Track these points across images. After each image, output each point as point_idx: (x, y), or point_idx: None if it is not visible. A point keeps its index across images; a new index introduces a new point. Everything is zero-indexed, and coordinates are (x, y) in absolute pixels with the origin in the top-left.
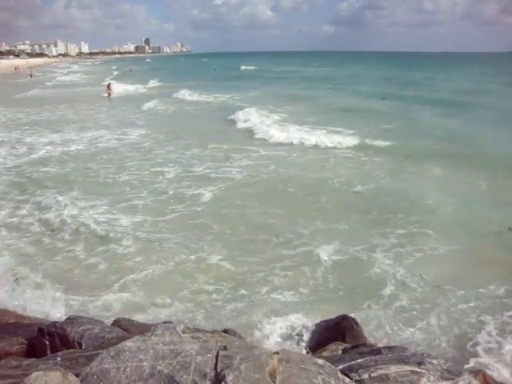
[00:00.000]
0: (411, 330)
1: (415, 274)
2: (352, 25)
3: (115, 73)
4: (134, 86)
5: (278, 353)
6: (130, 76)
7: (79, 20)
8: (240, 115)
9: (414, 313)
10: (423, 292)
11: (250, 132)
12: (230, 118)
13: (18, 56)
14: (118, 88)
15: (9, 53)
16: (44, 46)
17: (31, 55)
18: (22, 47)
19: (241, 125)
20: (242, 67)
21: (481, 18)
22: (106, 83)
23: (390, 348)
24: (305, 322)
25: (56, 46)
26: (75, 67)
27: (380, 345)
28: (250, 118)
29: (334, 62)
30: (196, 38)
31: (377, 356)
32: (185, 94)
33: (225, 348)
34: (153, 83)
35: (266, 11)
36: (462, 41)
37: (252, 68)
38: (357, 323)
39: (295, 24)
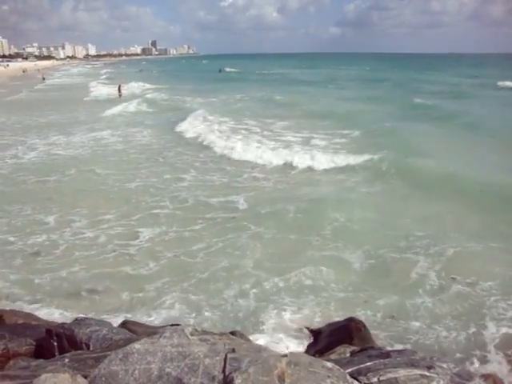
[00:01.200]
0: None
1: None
2: (358, 26)
3: (104, 76)
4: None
5: (286, 356)
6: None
7: (86, 22)
8: (187, 125)
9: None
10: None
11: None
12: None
13: (26, 59)
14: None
15: (17, 55)
16: (52, 49)
17: (39, 58)
18: (30, 50)
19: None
20: (227, 69)
21: (488, 18)
22: (117, 85)
23: (399, 351)
24: (313, 324)
25: (63, 48)
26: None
27: (388, 348)
28: (198, 127)
29: (332, 63)
30: (202, 40)
31: (386, 359)
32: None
33: (233, 351)
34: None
35: (272, 13)
36: (469, 42)
37: (235, 70)
38: (364, 325)
39: (301, 25)
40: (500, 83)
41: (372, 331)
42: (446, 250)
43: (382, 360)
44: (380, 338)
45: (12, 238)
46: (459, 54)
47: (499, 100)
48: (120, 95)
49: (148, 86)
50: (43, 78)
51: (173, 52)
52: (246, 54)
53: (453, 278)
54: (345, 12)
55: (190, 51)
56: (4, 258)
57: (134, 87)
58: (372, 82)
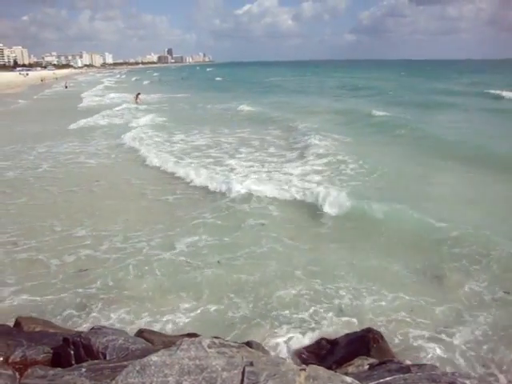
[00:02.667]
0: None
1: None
2: (374, 33)
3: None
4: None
5: (305, 369)
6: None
7: (103, 32)
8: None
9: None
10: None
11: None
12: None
13: (45, 67)
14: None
15: (36, 64)
16: (70, 58)
17: (57, 66)
18: (48, 59)
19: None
20: (217, 78)
21: (506, 23)
22: (135, 94)
23: (419, 366)
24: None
25: (81, 57)
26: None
27: (408, 362)
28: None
29: (337, 70)
30: (218, 48)
31: (406, 374)
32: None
33: (251, 364)
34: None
35: (287, 20)
36: (488, 47)
37: (225, 79)
38: (382, 337)
39: (316, 33)
40: (492, 91)
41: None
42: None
43: (402, 375)
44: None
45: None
46: (476, 60)
47: (476, 111)
48: (137, 102)
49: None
50: (66, 87)
51: (189, 60)
52: (262, 61)
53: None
54: (360, 19)
55: (206, 59)
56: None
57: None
58: (354, 90)
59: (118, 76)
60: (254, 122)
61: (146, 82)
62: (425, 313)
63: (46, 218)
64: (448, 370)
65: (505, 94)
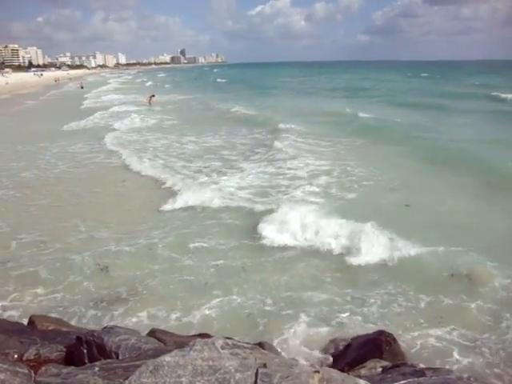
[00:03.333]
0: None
1: None
2: (387, 34)
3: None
4: None
5: (318, 372)
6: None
7: (117, 32)
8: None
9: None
10: None
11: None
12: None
13: (59, 68)
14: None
15: (51, 65)
16: (83, 58)
17: (71, 67)
18: (62, 59)
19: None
20: (218, 79)
21: None
22: (150, 95)
23: (434, 370)
24: (342, 335)
25: (95, 57)
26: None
27: (422, 365)
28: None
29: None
30: (231, 49)
31: (420, 378)
32: None
33: (264, 365)
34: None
35: (299, 21)
36: (503, 48)
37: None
38: (394, 339)
39: (329, 34)
40: (494, 93)
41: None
42: None
43: (416, 379)
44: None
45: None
46: (492, 60)
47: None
48: (150, 104)
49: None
50: (81, 87)
51: (201, 60)
52: (274, 62)
53: None
54: (373, 19)
55: (219, 60)
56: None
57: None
58: (354, 90)
59: (130, 77)
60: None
61: (148, 84)
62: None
63: (70, 218)
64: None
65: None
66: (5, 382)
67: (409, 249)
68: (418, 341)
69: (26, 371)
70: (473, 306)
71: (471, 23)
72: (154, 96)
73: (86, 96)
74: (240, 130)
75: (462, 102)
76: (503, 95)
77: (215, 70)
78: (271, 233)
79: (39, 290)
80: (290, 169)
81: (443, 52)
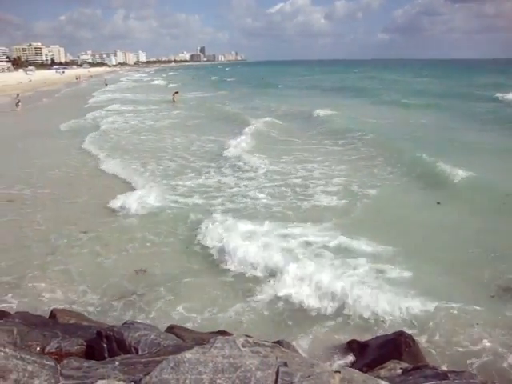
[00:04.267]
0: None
1: None
2: (408, 32)
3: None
4: None
5: (339, 372)
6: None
7: (137, 30)
8: None
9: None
10: None
11: None
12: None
13: (80, 66)
14: None
15: (72, 63)
16: (104, 56)
17: (92, 65)
18: (84, 57)
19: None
20: (213, 77)
21: None
22: (173, 92)
23: (456, 373)
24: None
25: (115, 55)
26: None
27: (444, 368)
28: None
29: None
30: (250, 47)
31: (443, 381)
32: None
33: (285, 364)
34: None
35: (319, 19)
36: None
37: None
38: (414, 340)
39: (349, 32)
40: (499, 95)
41: None
42: None
43: (438, 381)
44: None
45: None
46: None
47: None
48: (174, 100)
49: None
50: (106, 84)
51: (221, 58)
52: (294, 60)
53: None
54: (393, 17)
55: (238, 58)
56: None
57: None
58: (349, 90)
59: (145, 75)
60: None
61: (156, 82)
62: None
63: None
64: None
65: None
66: (33, 373)
67: None
68: None
69: (52, 364)
70: None
71: (494, 21)
72: (177, 93)
73: (93, 94)
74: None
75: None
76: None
77: (227, 69)
78: None
79: (64, 284)
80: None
81: (465, 50)
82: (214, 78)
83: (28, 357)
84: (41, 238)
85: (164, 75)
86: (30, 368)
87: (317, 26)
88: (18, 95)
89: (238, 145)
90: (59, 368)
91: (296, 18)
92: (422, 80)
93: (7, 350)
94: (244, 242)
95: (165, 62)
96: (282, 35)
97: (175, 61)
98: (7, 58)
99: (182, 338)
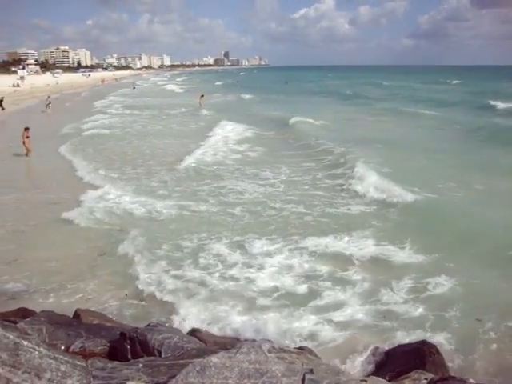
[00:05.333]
0: None
1: None
2: (433, 38)
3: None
4: None
5: (365, 381)
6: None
7: (162, 34)
8: None
9: None
10: None
11: None
12: None
13: (105, 69)
14: None
15: (98, 66)
16: (129, 60)
17: (117, 68)
18: (109, 61)
19: None
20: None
21: None
22: (200, 95)
23: None
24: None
25: (140, 59)
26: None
27: (472, 380)
28: None
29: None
30: (274, 52)
31: None
32: None
33: (311, 371)
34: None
35: (343, 25)
36: None
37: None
38: (438, 350)
39: (373, 37)
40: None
41: None
42: None
43: None
44: None
45: None
46: None
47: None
48: (200, 104)
49: None
50: (133, 88)
51: (244, 63)
52: (317, 65)
53: None
54: (418, 23)
55: (262, 62)
56: None
57: None
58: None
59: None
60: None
61: (169, 87)
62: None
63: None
64: None
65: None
66: (65, 373)
67: None
68: None
69: (83, 364)
70: None
71: None
72: (203, 96)
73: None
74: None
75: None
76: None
77: (241, 74)
78: None
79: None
80: None
81: (491, 56)
82: (218, 83)
83: (61, 357)
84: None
85: (179, 79)
86: (62, 368)
87: (341, 31)
88: (48, 97)
89: None
90: (90, 369)
91: (320, 23)
92: (438, 87)
93: (41, 349)
94: None
95: (189, 66)
96: (305, 40)
97: (199, 65)
98: (36, 61)
99: (204, 342)
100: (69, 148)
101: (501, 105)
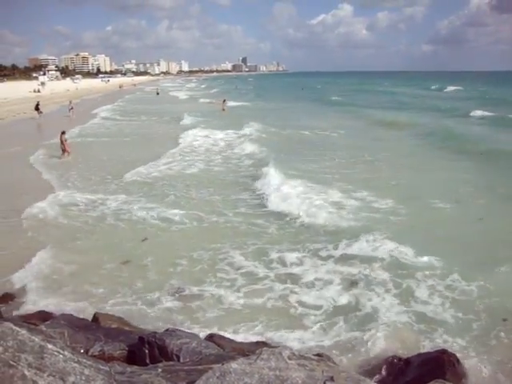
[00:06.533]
0: None
1: None
2: (452, 43)
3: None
4: None
5: None
6: None
7: (180, 40)
8: None
9: None
10: None
11: None
12: None
13: (124, 74)
14: None
15: (117, 71)
16: (148, 65)
17: (136, 73)
18: (128, 66)
19: None
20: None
21: None
22: (222, 100)
23: None
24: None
25: (159, 64)
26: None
27: None
28: None
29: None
30: (291, 57)
31: None
32: None
33: (331, 379)
34: None
35: (361, 30)
36: None
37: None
38: (458, 360)
39: (392, 43)
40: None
41: None
42: None
43: None
44: None
45: None
46: None
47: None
48: (224, 109)
49: None
50: (157, 93)
51: (262, 69)
52: (334, 72)
53: None
54: (437, 29)
55: (280, 68)
56: None
57: None
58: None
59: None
60: None
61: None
62: None
63: None
64: None
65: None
66: (89, 377)
67: None
68: None
69: (106, 368)
70: None
71: None
72: (225, 101)
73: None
74: None
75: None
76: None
77: (250, 79)
78: None
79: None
80: None
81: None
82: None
83: (84, 360)
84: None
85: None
86: (86, 372)
87: (359, 37)
88: (70, 102)
89: None
90: (113, 373)
91: (338, 28)
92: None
93: (66, 352)
94: None
95: (207, 71)
96: (323, 46)
97: (217, 71)
98: (56, 67)
99: (222, 347)
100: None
101: (478, 112)
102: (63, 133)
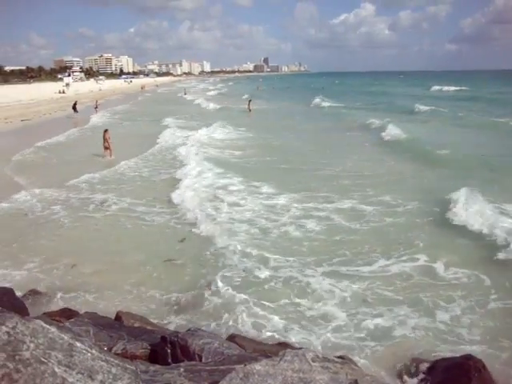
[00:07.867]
0: None
1: None
2: (477, 41)
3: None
4: None
5: None
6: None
7: (202, 41)
8: None
9: None
10: None
11: None
12: None
13: (147, 75)
14: None
15: (140, 72)
16: (170, 66)
17: (158, 74)
18: (151, 67)
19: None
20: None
21: None
22: (248, 101)
23: None
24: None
25: (181, 65)
26: None
27: None
28: None
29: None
30: (313, 58)
31: None
32: None
33: (355, 382)
34: None
35: (383, 30)
36: None
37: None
38: (484, 366)
39: (415, 43)
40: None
41: None
42: None
43: None
44: None
45: None
46: None
47: None
48: (249, 109)
49: None
50: (185, 93)
51: (284, 69)
52: (357, 72)
53: None
54: (461, 27)
55: (302, 68)
56: None
57: None
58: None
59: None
60: None
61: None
62: None
63: None
64: None
65: None
66: (116, 375)
67: None
68: None
69: (133, 368)
70: None
71: None
72: (250, 101)
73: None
74: None
75: None
76: None
77: (260, 80)
78: None
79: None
80: None
81: None
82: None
83: (112, 359)
84: None
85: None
86: (113, 370)
87: (381, 36)
88: (96, 101)
89: None
90: (139, 373)
91: (360, 28)
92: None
93: (93, 351)
94: None
95: (229, 72)
96: (345, 46)
97: (239, 71)
98: (80, 68)
99: (244, 348)
100: None
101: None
102: (106, 131)
